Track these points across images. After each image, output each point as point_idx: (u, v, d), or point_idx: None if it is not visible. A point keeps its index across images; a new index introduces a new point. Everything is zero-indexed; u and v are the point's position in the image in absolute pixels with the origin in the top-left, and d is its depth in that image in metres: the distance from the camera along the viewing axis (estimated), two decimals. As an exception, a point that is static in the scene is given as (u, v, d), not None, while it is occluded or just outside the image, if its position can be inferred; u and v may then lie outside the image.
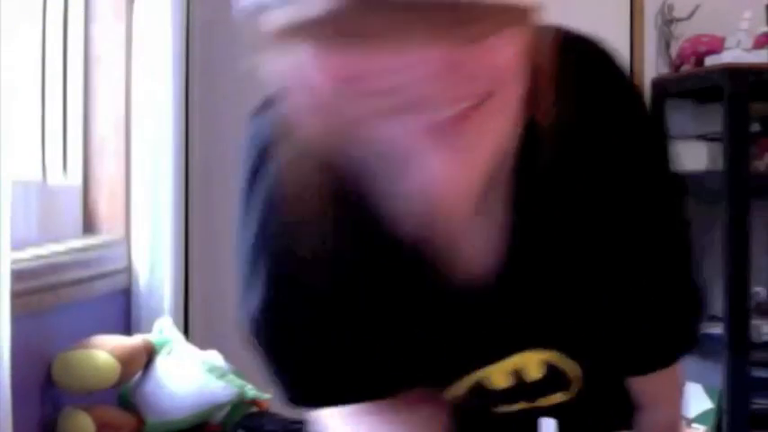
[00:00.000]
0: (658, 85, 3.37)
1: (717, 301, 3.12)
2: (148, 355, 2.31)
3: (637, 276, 1.07)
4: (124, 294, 2.59)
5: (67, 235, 2.45)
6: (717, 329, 3.09)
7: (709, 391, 3.08)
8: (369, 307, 0.98)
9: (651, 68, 3.40)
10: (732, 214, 2.97)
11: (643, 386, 1.18)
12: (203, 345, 2.49)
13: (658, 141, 1.10)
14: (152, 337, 2.39)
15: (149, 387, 2.29)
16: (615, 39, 3.38)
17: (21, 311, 1.77)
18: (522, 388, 1.10)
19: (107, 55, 2.62)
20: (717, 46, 3.20)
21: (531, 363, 1.09)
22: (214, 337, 2.99)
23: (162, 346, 2.36)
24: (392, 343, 1.00)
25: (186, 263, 3.08)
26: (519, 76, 0.80)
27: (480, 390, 1.09)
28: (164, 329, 2.44)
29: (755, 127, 3.13)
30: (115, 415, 2.22)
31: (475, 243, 0.98)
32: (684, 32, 3.34)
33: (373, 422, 1.03)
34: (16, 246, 1.90)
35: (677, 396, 1.23)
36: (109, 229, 2.62)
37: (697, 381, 3.16)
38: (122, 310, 2.59)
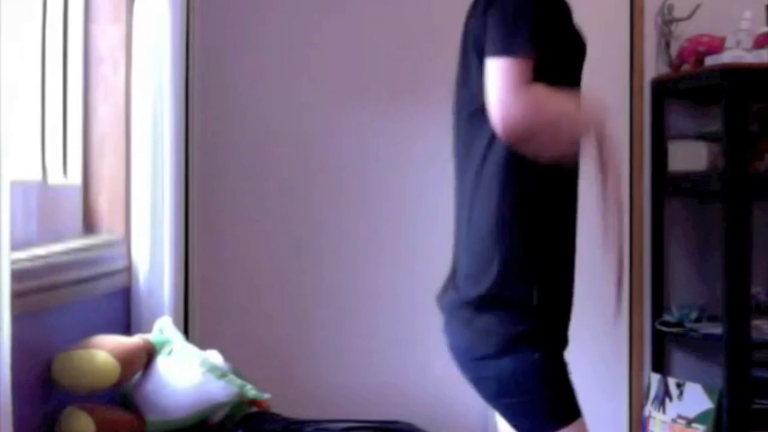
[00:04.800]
0: (658, 85, 3.38)
1: (717, 301, 3.13)
2: (148, 355, 2.31)
3: None
4: (124, 294, 2.60)
5: (67, 235, 2.45)
6: (717, 329, 3.09)
7: (709, 391, 3.08)
8: None
9: (651, 68, 3.40)
10: (732, 214, 2.97)
11: None
12: (203, 345, 2.49)
13: None
14: (152, 336, 2.39)
15: (149, 386, 2.29)
16: (615, 39, 3.40)
17: (21, 311, 1.77)
18: None
19: (107, 55, 2.62)
20: (717, 46, 3.20)
21: None
22: (214, 337, 2.99)
23: (162, 345, 2.36)
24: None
25: (186, 263, 3.08)
26: None
27: None
28: (164, 329, 2.44)
29: (755, 127, 3.13)
30: (115, 414, 2.22)
31: None
32: (684, 32, 3.35)
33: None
34: (16, 246, 1.90)
35: None
36: (109, 229, 2.62)
37: (697, 381, 3.16)
38: (122, 309, 2.59)
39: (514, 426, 1.95)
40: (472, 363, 1.93)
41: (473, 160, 1.92)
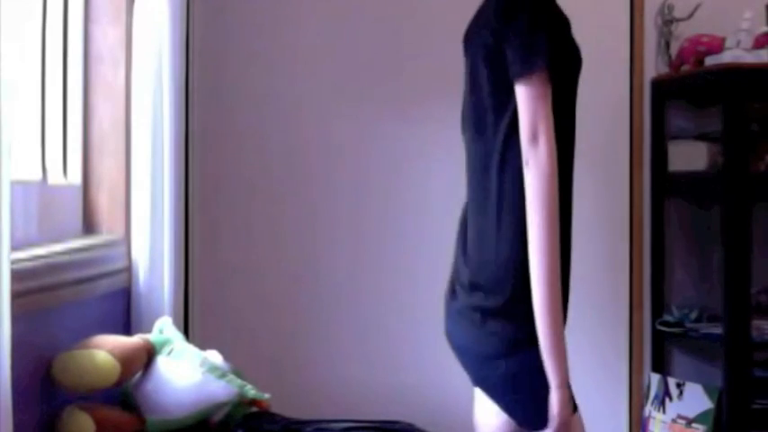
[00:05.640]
0: (658, 85, 3.38)
1: (717, 301, 3.12)
2: (148, 355, 2.31)
3: None
4: (124, 294, 2.60)
5: (67, 235, 2.45)
6: (717, 329, 3.09)
7: (709, 391, 3.08)
8: None
9: (651, 68, 3.40)
10: (732, 214, 2.97)
11: None
12: (203, 345, 2.49)
13: None
14: (152, 336, 2.39)
15: (149, 386, 2.29)
16: (615, 39, 3.39)
17: (21, 311, 1.77)
18: None
19: (107, 55, 2.62)
20: (717, 46, 3.20)
21: None
22: (214, 337, 2.99)
23: (162, 345, 2.36)
24: None
25: (186, 263, 3.08)
26: None
27: None
28: (164, 329, 2.44)
29: (755, 127, 3.13)
30: (115, 414, 2.22)
31: None
32: (684, 32, 3.35)
33: None
34: (16, 246, 1.90)
35: None
36: (109, 229, 2.62)
37: (697, 381, 3.16)
38: (122, 310, 2.59)
39: (521, 420, 2.03)
40: (481, 362, 2.03)
41: (492, 177, 1.98)
